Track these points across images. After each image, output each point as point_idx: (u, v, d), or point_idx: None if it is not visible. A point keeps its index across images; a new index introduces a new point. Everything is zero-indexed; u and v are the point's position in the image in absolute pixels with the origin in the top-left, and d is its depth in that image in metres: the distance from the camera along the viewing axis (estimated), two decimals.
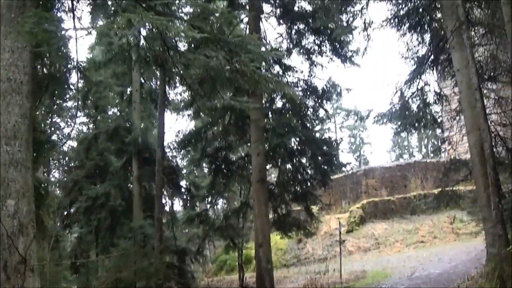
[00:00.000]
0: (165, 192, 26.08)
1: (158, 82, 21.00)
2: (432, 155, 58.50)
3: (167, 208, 26.16)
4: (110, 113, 29.87)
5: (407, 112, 16.17)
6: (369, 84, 79.76)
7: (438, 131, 28.32)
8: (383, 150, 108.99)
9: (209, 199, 20.37)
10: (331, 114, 62.70)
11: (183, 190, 25.61)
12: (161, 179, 18.87)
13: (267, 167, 20.09)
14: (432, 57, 15.47)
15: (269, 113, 19.09)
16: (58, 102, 34.41)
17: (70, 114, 35.90)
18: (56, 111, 34.30)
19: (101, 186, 25.30)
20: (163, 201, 27.39)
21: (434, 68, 15.81)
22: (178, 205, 28.54)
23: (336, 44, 18.66)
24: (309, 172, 19.05)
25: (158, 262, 16.30)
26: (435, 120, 17.46)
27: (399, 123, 16.63)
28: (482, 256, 18.06)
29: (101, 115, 27.94)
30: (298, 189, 19.09)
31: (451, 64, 13.69)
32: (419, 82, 15.95)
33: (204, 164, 21.77)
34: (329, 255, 25.88)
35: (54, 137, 35.05)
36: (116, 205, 23.86)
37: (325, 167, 18.37)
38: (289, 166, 19.14)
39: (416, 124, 17.00)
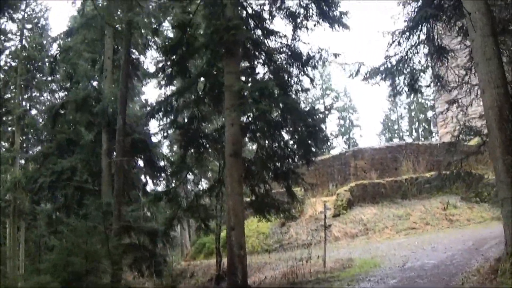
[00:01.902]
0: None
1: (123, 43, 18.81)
2: (423, 139, 56.98)
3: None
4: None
5: (405, 67, 13.61)
6: (361, 51, 76.74)
7: (442, 96, 25.60)
8: (373, 133, 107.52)
9: (178, 176, 18.08)
10: (320, 95, 61.12)
11: (158, 166, 23.81)
12: (121, 149, 16.69)
13: (245, 141, 18.02)
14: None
15: (249, 80, 16.97)
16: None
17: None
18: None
19: (67, 160, 23.27)
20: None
21: (438, 17, 13.28)
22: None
23: (323, 5, 16.47)
24: (291, 148, 16.82)
25: (114, 243, 14.18)
26: (439, 78, 14.88)
27: (395, 81, 14.07)
28: (480, 245, 16.71)
29: (75, 85, 25.81)
30: (279, 166, 16.89)
31: (458, 9, 11.27)
32: (420, 32, 13.43)
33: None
34: (314, 241, 24.40)
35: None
36: (82, 180, 21.93)
37: (309, 142, 16.09)
38: (269, 141, 16.93)
39: (416, 84, 14.42)
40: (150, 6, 17.90)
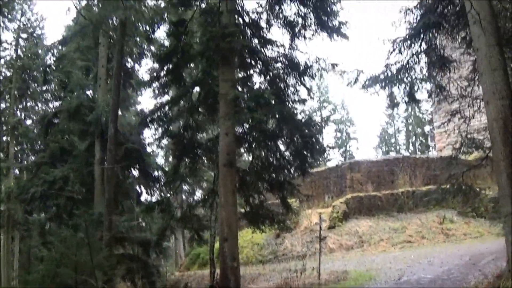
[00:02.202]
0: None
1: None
2: (419, 153, 56.75)
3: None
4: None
5: (406, 76, 13.27)
6: (360, 58, 75.59)
7: (444, 106, 25.23)
8: (370, 146, 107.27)
9: (172, 186, 17.71)
10: (317, 107, 60.96)
11: (152, 176, 23.50)
12: (112, 158, 16.35)
13: (241, 151, 17.75)
14: (439, 8, 12.65)
15: (245, 90, 16.69)
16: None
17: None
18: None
19: (59, 169, 22.92)
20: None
21: (441, 26, 12.97)
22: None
23: (322, 15, 16.23)
24: (287, 158, 16.50)
25: (104, 254, 13.82)
26: (441, 88, 14.49)
27: (395, 89, 13.72)
28: (477, 260, 16.38)
29: (68, 94, 25.51)
30: (274, 177, 16.58)
31: (462, 18, 10.97)
32: (422, 41, 13.10)
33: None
34: (309, 252, 24.25)
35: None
36: (74, 190, 21.57)
37: (305, 152, 15.77)
38: (264, 151, 16.62)
39: (417, 93, 14.05)
40: (145, 10, 17.58)
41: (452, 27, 13.12)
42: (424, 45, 13.13)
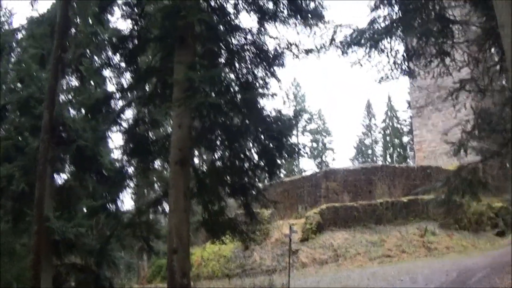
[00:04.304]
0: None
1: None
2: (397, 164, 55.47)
3: None
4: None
5: (397, 32, 10.77)
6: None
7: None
8: (346, 157, 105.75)
9: (118, 187, 15.34)
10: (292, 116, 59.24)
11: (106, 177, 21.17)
12: (46, 150, 14.03)
13: (202, 151, 15.53)
14: None
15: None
16: None
17: None
18: None
19: (4, 167, 20.48)
20: None
21: None
22: None
23: None
24: (252, 158, 14.25)
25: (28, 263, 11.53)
26: (445, 54, 12.06)
27: (384, 58, 11.30)
28: (466, 278, 14.72)
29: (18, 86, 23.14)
30: (237, 180, 14.30)
31: None
32: None
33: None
34: (279, 267, 22.75)
35: None
36: (17, 190, 19.18)
37: (273, 151, 13.54)
38: (226, 150, 14.40)
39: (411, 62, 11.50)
40: None
41: None
42: None
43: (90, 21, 18.13)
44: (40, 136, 14.01)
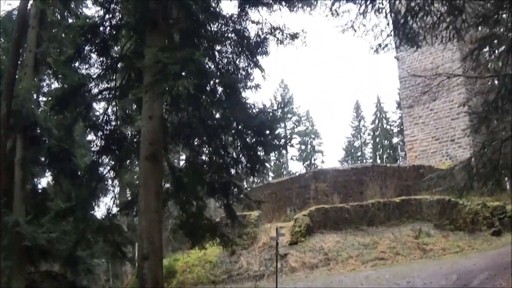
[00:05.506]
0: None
1: None
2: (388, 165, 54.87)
3: None
4: None
5: None
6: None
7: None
8: (335, 160, 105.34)
9: (87, 187, 14.00)
10: (281, 117, 58.65)
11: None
12: (3, 145, 12.87)
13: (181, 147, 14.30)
14: None
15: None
16: None
17: None
18: None
19: None
20: None
21: None
22: None
23: None
24: (233, 154, 13.01)
25: None
26: (456, 30, 10.61)
27: (382, 20, 9.85)
28: (468, 281, 13.83)
29: None
30: (217, 178, 13.04)
31: None
32: None
33: None
34: (267, 272, 21.80)
35: None
36: None
37: (257, 147, 12.30)
38: (205, 145, 13.19)
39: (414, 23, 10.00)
40: None
41: None
42: None
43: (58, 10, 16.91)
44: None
